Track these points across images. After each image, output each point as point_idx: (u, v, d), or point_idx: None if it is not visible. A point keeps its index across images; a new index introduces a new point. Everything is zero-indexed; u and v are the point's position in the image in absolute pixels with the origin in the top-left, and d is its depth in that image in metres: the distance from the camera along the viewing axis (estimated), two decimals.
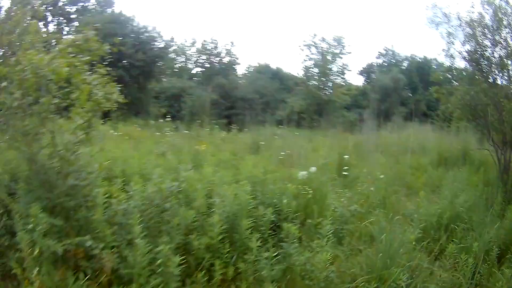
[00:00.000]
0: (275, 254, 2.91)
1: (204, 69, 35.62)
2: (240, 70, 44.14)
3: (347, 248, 3.61)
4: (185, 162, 4.59)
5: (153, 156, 5.77)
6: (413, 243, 3.34)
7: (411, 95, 33.57)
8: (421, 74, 35.28)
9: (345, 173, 6.37)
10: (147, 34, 26.31)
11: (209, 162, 5.31)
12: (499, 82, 5.79)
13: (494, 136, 5.62)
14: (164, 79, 29.44)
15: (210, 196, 3.57)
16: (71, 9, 28.29)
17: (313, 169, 4.78)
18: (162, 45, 28.00)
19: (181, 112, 24.22)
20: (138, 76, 24.66)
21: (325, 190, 4.45)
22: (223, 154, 7.10)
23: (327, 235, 3.11)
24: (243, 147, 9.22)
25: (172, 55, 34.41)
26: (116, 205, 2.87)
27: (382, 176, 5.53)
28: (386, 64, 38.69)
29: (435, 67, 36.80)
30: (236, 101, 27.48)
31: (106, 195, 2.91)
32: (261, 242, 3.00)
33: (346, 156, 6.94)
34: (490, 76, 5.85)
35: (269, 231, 3.34)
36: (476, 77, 5.97)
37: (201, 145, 8.07)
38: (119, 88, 3.17)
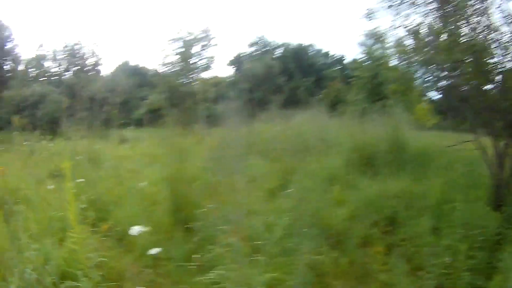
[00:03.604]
0: None
1: (72, 73, 31.97)
2: (108, 70, 41.12)
3: None
4: None
5: None
6: None
7: (287, 82, 32.52)
8: (298, 60, 34.10)
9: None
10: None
11: None
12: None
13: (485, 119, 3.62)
14: (29, 86, 25.50)
15: None
16: None
17: None
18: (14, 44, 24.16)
19: (42, 121, 21.12)
20: None
21: None
22: None
23: None
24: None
25: (42, 62, 31.38)
26: None
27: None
28: (258, 53, 36.64)
29: (313, 52, 36.70)
30: (85, 102, 24.07)
31: None
32: None
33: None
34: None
35: None
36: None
37: None
38: None
